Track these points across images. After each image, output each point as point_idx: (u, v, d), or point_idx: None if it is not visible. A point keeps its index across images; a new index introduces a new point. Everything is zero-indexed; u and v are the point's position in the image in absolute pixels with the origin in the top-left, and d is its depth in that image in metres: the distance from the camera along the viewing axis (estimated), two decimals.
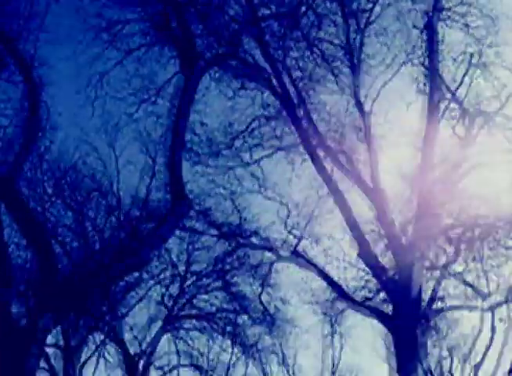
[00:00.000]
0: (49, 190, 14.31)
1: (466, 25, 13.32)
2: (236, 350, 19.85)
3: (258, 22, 11.63)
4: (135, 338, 18.61)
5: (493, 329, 19.19)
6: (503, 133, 14.62)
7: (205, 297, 18.10)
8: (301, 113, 13.08)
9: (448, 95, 14.11)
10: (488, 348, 19.95)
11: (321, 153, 13.64)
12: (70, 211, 15.07)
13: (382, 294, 15.59)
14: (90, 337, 17.52)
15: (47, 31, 11.18)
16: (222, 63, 11.80)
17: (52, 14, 11.20)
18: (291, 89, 12.85)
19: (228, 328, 18.48)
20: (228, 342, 19.37)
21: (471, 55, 13.70)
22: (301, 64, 12.81)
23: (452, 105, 14.28)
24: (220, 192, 14.77)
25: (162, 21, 11.17)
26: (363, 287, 16.04)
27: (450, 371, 21.28)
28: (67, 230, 14.98)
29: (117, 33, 11.26)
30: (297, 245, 15.26)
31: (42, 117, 11.30)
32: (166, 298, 17.88)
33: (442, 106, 14.13)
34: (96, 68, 11.57)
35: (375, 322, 16.10)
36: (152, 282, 17.09)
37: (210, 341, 19.26)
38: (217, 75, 12.27)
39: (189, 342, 19.22)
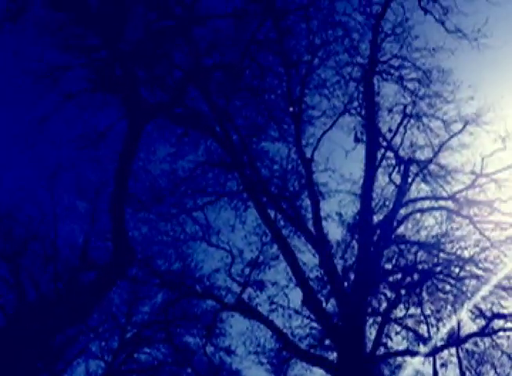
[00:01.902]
0: None
1: (401, 77, 14.11)
2: None
3: (202, 71, 11.87)
4: None
5: (435, 374, 19.38)
6: (436, 181, 15.34)
7: (147, 350, 17.46)
8: (244, 159, 13.26)
9: (385, 144, 14.74)
10: None
11: (264, 200, 13.79)
12: (4, 261, 14.39)
13: (327, 342, 15.58)
14: None
15: None
16: (167, 110, 11.89)
17: None
18: (234, 136, 13.08)
19: None
20: None
21: (405, 106, 14.48)
22: (243, 112, 13.13)
23: (388, 153, 14.93)
24: (163, 239, 14.56)
25: (106, 67, 11.19)
26: (308, 335, 15.97)
27: None
28: (1, 282, 14.26)
29: (59, 78, 11.16)
30: (241, 293, 15.11)
31: None
32: (105, 353, 17.12)
33: (379, 154, 14.75)
34: (35, 113, 11.36)
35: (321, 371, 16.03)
36: (91, 335, 16.37)
37: None
38: (160, 121, 12.34)
39: None
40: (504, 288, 15.08)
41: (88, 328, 15.69)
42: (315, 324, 15.45)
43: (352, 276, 15.13)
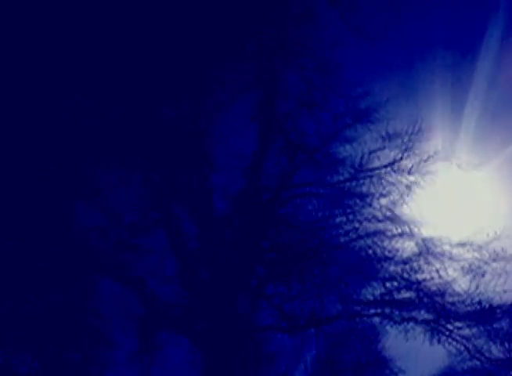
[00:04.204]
0: None
1: (300, 64, 14.56)
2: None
3: None
4: None
5: (296, 351, 20.40)
6: (320, 169, 16.10)
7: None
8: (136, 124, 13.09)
9: (277, 127, 15.22)
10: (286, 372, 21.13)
11: (152, 163, 13.73)
12: None
13: (197, 312, 15.90)
14: None
15: None
16: None
17: None
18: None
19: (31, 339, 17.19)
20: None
21: (300, 93, 14.99)
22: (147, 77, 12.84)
23: (279, 136, 15.43)
24: None
25: None
26: (180, 303, 16.19)
27: None
28: None
29: None
30: (116, 256, 14.95)
31: None
32: None
33: (271, 136, 15.21)
34: None
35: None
36: None
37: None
38: None
39: None
40: (366, 277, 16.20)
41: None
42: (186, 293, 15.71)
43: (230, 251, 15.55)
